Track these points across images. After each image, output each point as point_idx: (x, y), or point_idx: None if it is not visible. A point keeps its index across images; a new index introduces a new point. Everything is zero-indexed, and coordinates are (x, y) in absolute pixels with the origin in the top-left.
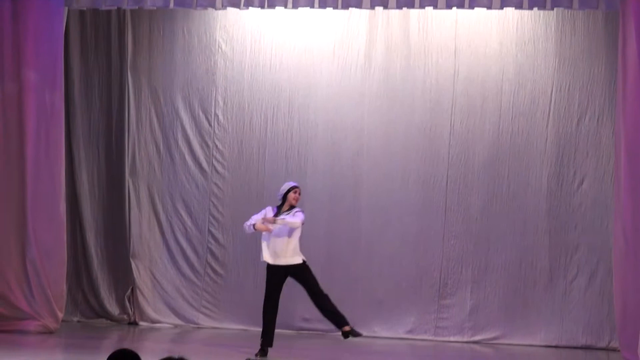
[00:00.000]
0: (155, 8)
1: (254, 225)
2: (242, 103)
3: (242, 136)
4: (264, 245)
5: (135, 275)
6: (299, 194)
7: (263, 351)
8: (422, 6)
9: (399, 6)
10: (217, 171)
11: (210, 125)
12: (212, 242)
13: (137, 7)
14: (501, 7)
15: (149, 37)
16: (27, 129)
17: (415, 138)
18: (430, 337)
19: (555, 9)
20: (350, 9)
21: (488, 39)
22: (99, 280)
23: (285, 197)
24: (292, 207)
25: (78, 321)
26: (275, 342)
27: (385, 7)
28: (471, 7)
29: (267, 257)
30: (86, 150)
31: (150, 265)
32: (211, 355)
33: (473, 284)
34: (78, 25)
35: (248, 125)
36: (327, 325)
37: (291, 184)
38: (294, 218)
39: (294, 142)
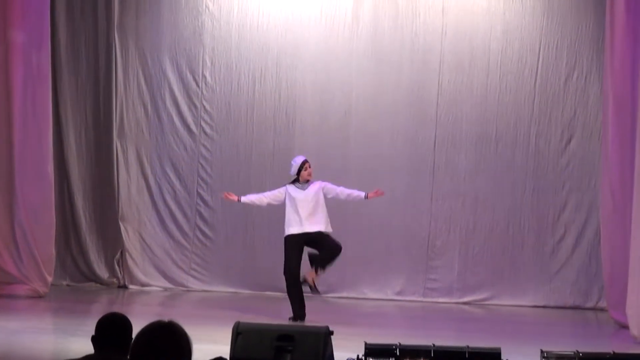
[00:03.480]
0: None
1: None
2: (230, 63)
3: (229, 97)
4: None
5: (124, 238)
6: (310, 167)
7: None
8: None
9: None
10: (205, 133)
11: (198, 86)
12: (201, 204)
13: None
14: None
15: None
16: (13, 90)
17: (403, 97)
18: (419, 299)
19: None
20: None
21: None
22: (88, 244)
23: (299, 173)
24: (307, 180)
25: (67, 285)
26: (264, 304)
27: None
28: None
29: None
30: (73, 112)
31: (139, 228)
32: (201, 318)
33: (461, 245)
34: None
35: (236, 86)
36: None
37: (300, 159)
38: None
39: (282, 103)
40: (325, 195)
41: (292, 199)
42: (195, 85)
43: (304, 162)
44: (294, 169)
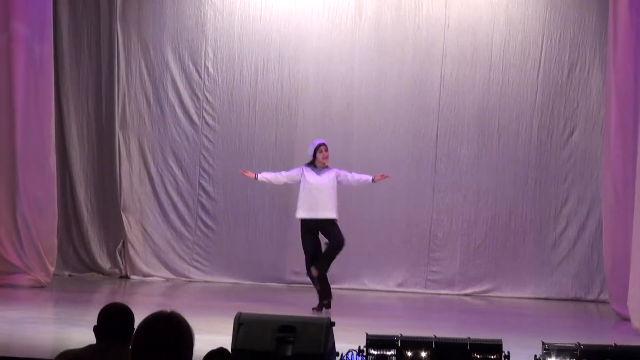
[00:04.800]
0: None
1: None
2: (232, 54)
3: (232, 88)
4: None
5: (126, 229)
6: (327, 150)
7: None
8: None
9: None
10: (207, 123)
11: (200, 77)
12: (203, 195)
13: None
14: None
15: None
16: (16, 82)
17: (405, 89)
18: (421, 290)
19: None
20: None
21: None
22: (90, 234)
23: (314, 156)
24: (325, 165)
25: (69, 275)
26: (266, 295)
27: None
28: None
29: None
30: (75, 103)
31: (141, 218)
32: (202, 308)
33: (463, 237)
34: None
35: (238, 77)
36: None
37: (317, 142)
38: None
39: (284, 94)
40: (339, 183)
41: (307, 183)
42: (197, 76)
43: (319, 146)
44: (310, 152)
